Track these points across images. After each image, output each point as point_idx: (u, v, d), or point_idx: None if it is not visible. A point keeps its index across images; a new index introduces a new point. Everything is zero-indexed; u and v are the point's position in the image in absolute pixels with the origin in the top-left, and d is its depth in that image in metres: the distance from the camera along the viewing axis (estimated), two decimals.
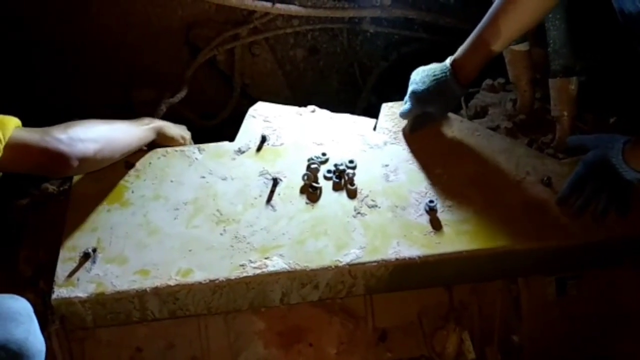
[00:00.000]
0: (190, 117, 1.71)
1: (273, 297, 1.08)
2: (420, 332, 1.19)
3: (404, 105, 1.23)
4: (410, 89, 1.22)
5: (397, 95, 1.34)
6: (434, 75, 1.18)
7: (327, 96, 1.81)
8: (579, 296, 1.16)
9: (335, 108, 1.35)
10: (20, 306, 0.92)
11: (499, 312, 1.20)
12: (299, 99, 1.39)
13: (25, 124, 1.06)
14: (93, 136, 1.08)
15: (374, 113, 1.33)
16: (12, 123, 1.01)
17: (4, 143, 0.98)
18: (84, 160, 1.06)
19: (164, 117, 1.55)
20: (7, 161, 0.99)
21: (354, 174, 1.18)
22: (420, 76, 1.21)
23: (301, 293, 1.08)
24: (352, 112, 1.35)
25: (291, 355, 1.17)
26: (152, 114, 1.57)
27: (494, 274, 1.14)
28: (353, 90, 1.83)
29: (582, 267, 1.15)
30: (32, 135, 1.03)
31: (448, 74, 1.16)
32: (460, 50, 1.17)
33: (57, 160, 1.03)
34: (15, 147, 1.00)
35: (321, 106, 1.35)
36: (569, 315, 1.17)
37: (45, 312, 1.06)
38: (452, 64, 1.17)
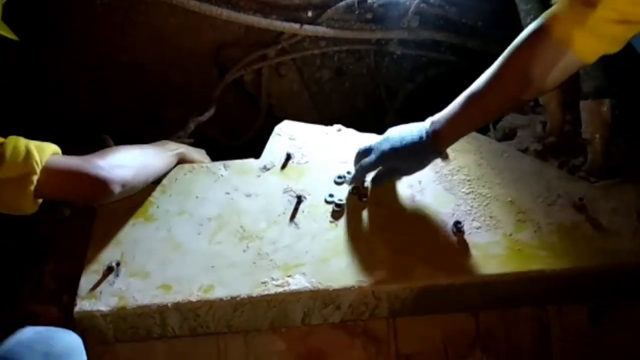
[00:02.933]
0: (217, 136, 1.72)
1: (294, 317, 1.06)
2: None
3: (368, 157, 1.13)
4: (380, 145, 1.12)
5: (423, 117, 1.33)
6: (411, 137, 1.08)
7: (352, 118, 1.80)
8: (613, 327, 1.11)
9: (360, 130, 1.35)
10: (73, 340, 0.95)
11: (528, 340, 1.15)
12: (325, 120, 1.39)
13: (61, 143, 1.08)
14: (129, 162, 1.10)
15: None
16: (50, 149, 1.03)
17: (40, 166, 0.99)
18: (124, 185, 1.07)
19: (192, 136, 1.57)
20: (46, 186, 1.00)
21: (378, 194, 1.16)
22: (394, 134, 1.11)
23: (323, 313, 1.06)
24: (378, 134, 1.34)
25: None
26: (180, 132, 1.59)
27: (524, 299, 1.10)
28: (379, 112, 1.82)
29: (616, 294, 1.11)
30: (72, 161, 1.04)
31: (425, 138, 1.07)
32: (444, 117, 1.07)
33: (99, 187, 1.03)
34: (53, 172, 1.00)
35: (347, 127, 1.34)
36: (602, 346, 1.12)
37: (67, 325, 1.06)
38: (432, 132, 1.07)
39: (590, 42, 0.91)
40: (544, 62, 0.95)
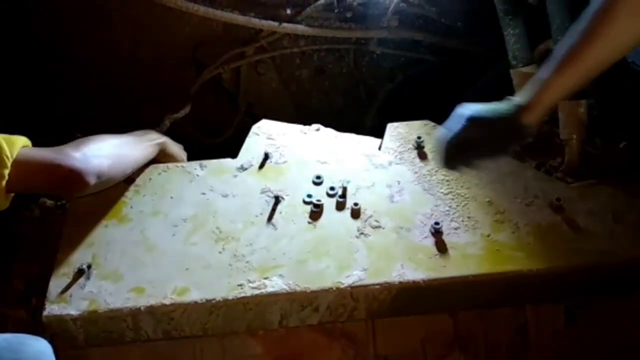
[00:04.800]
0: (195, 135, 1.70)
1: (271, 319, 1.05)
2: None
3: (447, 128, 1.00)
4: (462, 111, 0.99)
5: (403, 117, 1.33)
6: (497, 107, 0.97)
7: (332, 117, 1.79)
8: (589, 326, 1.12)
9: (340, 129, 1.34)
10: (43, 347, 0.91)
11: (506, 340, 1.15)
12: (304, 119, 1.37)
13: (33, 139, 1.04)
14: (105, 152, 1.06)
15: (379, 135, 1.31)
16: (20, 141, 1.00)
17: (11, 160, 0.96)
18: (99, 176, 1.03)
19: (167, 133, 1.54)
20: (18, 180, 0.97)
21: (357, 194, 1.15)
22: (476, 105, 0.99)
23: (300, 316, 1.05)
24: (357, 133, 1.34)
25: None
26: (157, 128, 1.56)
27: (501, 300, 1.10)
28: (358, 111, 1.81)
29: (592, 294, 1.12)
30: (45, 154, 1.01)
31: (514, 109, 0.96)
32: (532, 87, 0.97)
33: (73, 178, 1.00)
34: (25, 165, 0.97)
35: (326, 127, 1.33)
36: (578, 345, 1.13)
37: (36, 329, 1.02)
38: (522, 102, 0.96)
39: None
40: None
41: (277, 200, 1.14)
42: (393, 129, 1.29)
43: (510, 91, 1.34)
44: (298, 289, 1.02)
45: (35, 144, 1.06)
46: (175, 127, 1.59)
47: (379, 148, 1.27)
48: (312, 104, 1.80)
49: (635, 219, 1.13)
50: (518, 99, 0.97)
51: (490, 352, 1.16)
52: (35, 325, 1.05)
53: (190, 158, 1.30)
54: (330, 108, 1.81)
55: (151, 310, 0.99)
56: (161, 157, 1.23)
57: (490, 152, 0.99)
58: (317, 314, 1.05)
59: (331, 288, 1.02)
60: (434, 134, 1.28)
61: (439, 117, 1.34)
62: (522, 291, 1.08)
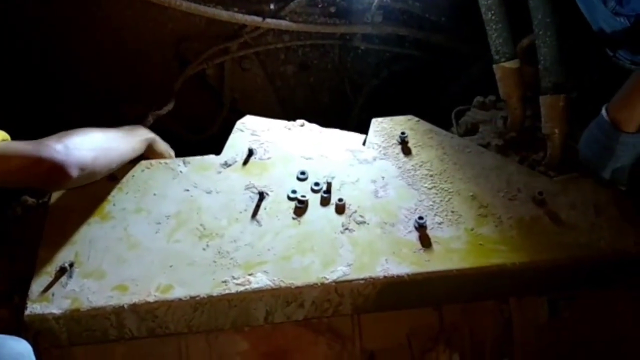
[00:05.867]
0: (179, 131, 1.69)
1: (257, 316, 1.04)
2: (409, 354, 1.15)
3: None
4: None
5: (387, 112, 1.33)
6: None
7: (317, 112, 1.79)
8: (573, 319, 1.14)
9: (325, 124, 1.33)
10: (22, 348, 0.90)
11: (490, 333, 1.16)
12: (289, 115, 1.37)
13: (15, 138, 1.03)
14: (89, 145, 1.04)
15: (364, 130, 1.31)
16: None
17: None
18: (82, 169, 1.02)
19: (151, 129, 1.53)
20: None
21: (341, 189, 1.15)
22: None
23: (286, 312, 1.05)
24: (343, 129, 1.34)
25: None
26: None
27: (485, 293, 1.11)
28: (344, 107, 1.81)
29: (575, 287, 1.13)
30: (25, 146, 0.99)
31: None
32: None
33: (54, 171, 0.98)
34: (5, 159, 0.96)
35: (311, 122, 1.33)
36: (562, 338, 1.14)
37: (19, 328, 1.01)
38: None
39: None
40: None
41: (262, 196, 1.14)
42: (377, 124, 1.30)
43: (493, 86, 1.35)
44: (283, 285, 1.02)
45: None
46: (158, 124, 1.57)
47: (364, 143, 1.27)
48: (297, 100, 1.80)
49: (616, 212, 1.15)
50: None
51: (475, 344, 1.17)
52: (18, 324, 1.04)
53: (176, 155, 1.28)
54: (315, 104, 1.81)
55: (135, 308, 0.99)
56: (149, 153, 1.21)
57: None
58: (302, 310, 1.05)
59: (316, 284, 1.02)
60: (417, 129, 1.28)
61: (424, 112, 1.35)
62: (506, 284, 1.09)
